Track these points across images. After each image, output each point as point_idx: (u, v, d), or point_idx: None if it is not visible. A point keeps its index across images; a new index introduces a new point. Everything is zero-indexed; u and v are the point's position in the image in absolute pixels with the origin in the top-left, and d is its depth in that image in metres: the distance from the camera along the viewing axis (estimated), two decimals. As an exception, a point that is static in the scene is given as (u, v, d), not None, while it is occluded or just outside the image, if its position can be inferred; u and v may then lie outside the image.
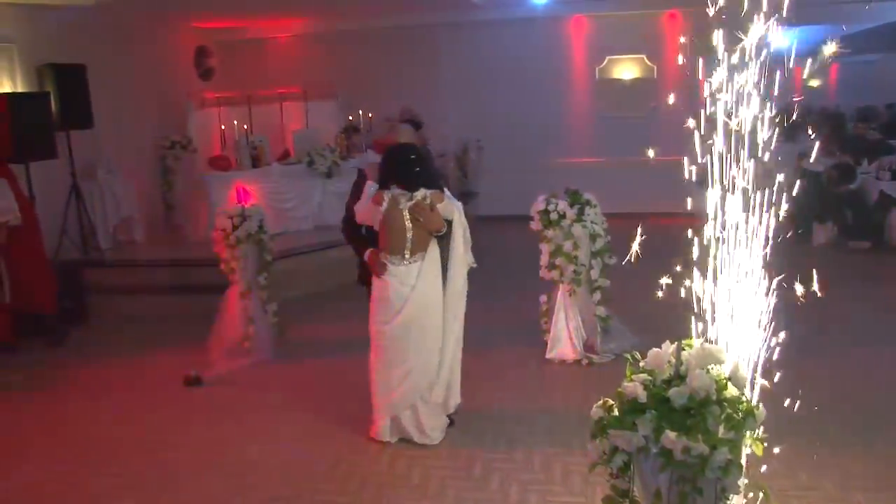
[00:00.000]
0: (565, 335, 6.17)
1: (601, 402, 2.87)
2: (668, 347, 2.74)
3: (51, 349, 7.25)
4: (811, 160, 10.57)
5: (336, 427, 5.15)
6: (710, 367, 2.63)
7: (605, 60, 12.24)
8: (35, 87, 8.43)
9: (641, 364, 2.74)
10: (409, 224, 4.61)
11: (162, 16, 10.89)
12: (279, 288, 7.24)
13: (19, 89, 8.29)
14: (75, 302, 8.01)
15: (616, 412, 2.68)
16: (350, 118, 11.48)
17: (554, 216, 5.98)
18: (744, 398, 2.62)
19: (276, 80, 11.78)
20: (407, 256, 4.66)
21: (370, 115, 11.42)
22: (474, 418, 5.08)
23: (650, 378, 2.63)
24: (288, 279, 8.15)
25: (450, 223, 4.71)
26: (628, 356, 2.89)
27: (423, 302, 4.69)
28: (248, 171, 9.56)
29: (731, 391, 2.59)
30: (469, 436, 4.91)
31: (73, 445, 5.15)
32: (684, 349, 2.65)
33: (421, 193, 4.61)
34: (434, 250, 4.72)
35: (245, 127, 10.19)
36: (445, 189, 4.81)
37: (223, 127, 10.20)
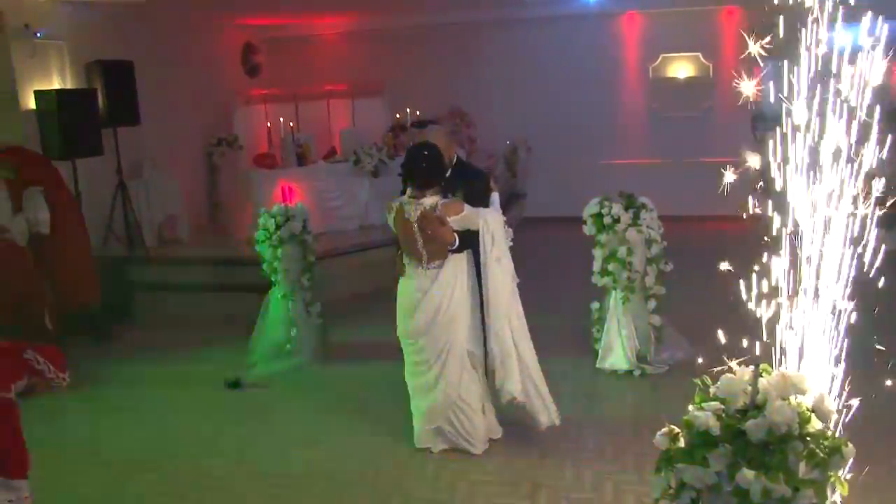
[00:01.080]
0: (617, 344, 5.90)
1: (667, 429, 2.61)
2: (743, 373, 2.46)
3: (94, 346, 7.22)
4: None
5: (379, 435, 4.99)
6: (791, 397, 2.36)
7: (660, 58, 11.86)
8: (84, 83, 8.43)
9: (712, 390, 2.47)
10: (418, 235, 4.38)
11: (209, 13, 10.85)
12: (323, 289, 7.11)
13: (68, 86, 8.29)
14: (120, 298, 7.98)
15: (684, 443, 2.42)
16: (398, 116, 11.32)
17: (608, 220, 5.71)
18: (829, 433, 2.35)
19: (322, 77, 11.68)
20: (424, 263, 4.45)
21: (417, 113, 11.23)
22: (521, 431, 4.83)
23: (723, 407, 2.37)
24: (332, 279, 8.02)
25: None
26: (697, 381, 2.63)
27: (434, 309, 4.44)
28: (294, 169, 9.46)
29: (815, 425, 2.32)
30: (516, 450, 4.69)
31: (111, 447, 5.07)
32: (762, 375, 2.38)
33: (431, 201, 4.35)
34: (457, 256, 4.48)
35: (291, 125, 10.09)
36: (493, 196, 4.62)
37: (269, 124, 10.12)
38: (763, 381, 2.35)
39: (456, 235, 4.37)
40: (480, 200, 4.54)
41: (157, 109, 9.52)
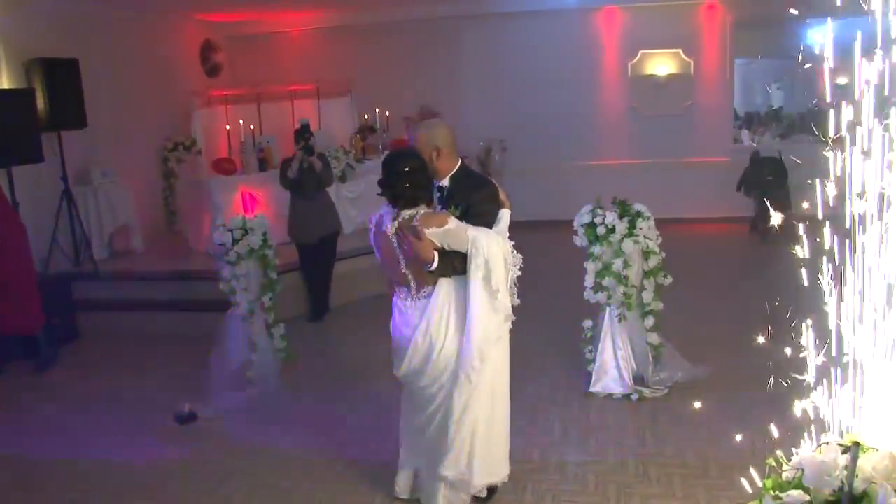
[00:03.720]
0: (612, 366, 5.38)
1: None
2: (834, 451, 1.86)
3: (37, 373, 6.54)
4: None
5: (352, 478, 4.39)
6: None
7: (639, 55, 11.40)
8: (22, 83, 7.71)
9: (791, 473, 1.89)
10: (399, 253, 3.64)
11: (164, 7, 10.17)
12: (286, 306, 6.52)
13: (3, 86, 7.57)
14: (64, 320, 7.29)
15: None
16: (366, 117, 10.72)
17: (601, 230, 5.18)
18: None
19: (286, 76, 11.02)
20: (413, 290, 3.71)
21: (387, 113, 10.64)
22: (511, 468, 4.28)
23: (807, 498, 1.80)
24: (296, 295, 7.43)
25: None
26: (771, 461, 2.04)
27: (427, 348, 3.67)
28: (255, 175, 8.81)
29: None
30: (505, 491, 4.11)
31: (45, 495, 4.43)
32: (863, 453, 1.81)
33: (411, 211, 3.58)
34: (450, 283, 3.66)
35: (252, 127, 9.43)
36: (502, 214, 3.76)
37: (228, 127, 9.45)
38: (864, 463, 1.78)
39: (436, 254, 3.54)
40: (482, 218, 3.68)
41: (107, 111, 8.85)
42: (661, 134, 11.38)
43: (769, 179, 10.55)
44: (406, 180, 3.56)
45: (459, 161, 3.84)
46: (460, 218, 3.62)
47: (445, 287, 3.65)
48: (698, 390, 5.36)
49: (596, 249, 5.23)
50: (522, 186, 11.23)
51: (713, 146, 11.38)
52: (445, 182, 3.80)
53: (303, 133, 7.16)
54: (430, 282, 3.64)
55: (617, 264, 5.15)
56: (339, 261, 7.66)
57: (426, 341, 3.66)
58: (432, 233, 3.52)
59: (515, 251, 3.70)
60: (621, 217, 5.20)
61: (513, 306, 3.72)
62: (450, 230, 3.53)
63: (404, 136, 11.19)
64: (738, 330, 6.81)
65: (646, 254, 5.22)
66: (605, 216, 5.19)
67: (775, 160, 10.63)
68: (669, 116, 11.38)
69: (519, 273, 3.73)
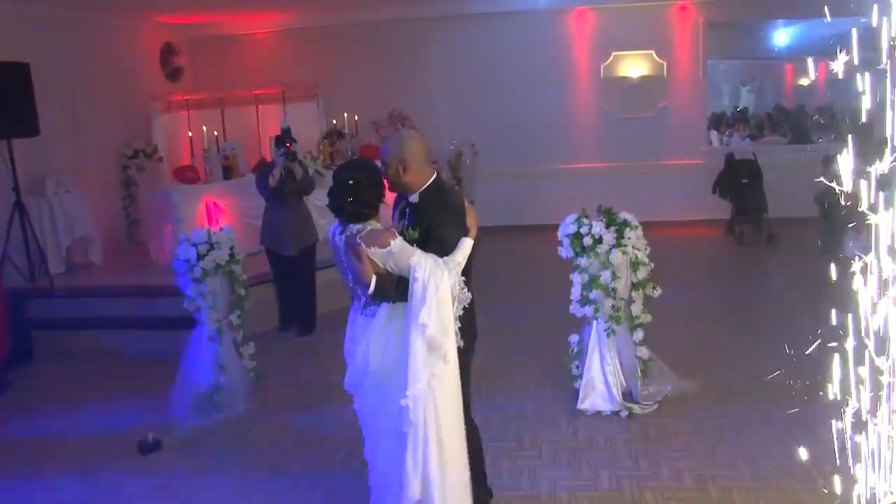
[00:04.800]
0: (600, 381, 5.15)
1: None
2: None
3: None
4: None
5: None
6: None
7: (611, 56, 11.24)
8: (-32, 89, 7.28)
9: None
10: (346, 267, 3.37)
11: (121, 8, 9.76)
12: (257, 319, 6.20)
13: (-53, 92, 7.14)
14: (18, 340, 6.87)
15: None
16: (334, 122, 10.41)
17: (588, 241, 4.95)
18: None
19: (251, 80, 10.63)
20: (361, 305, 3.38)
21: (356, 118, 10.34)
22: (498, 497, 4.02)
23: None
24: (264, 309, 7.09)
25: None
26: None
27: (361, 370, 3.36)
28: (220, 184, 8.45)
29: None
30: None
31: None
32: None
33: (357, 228, 3.26)
34: (397, 307, 3.30)
35: (216, 133, 9.07)
36: (462, 243, 3.34)
37: (191, 133, 9.07)
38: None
39: (374, 278, 3.21)
40: (441, 244, 3.30)
41: (62, 118, 8.46)
42: (634, 136, 11.25)
43: (745, 182, 10.47)
44: (349, 193, 3.25)
45: (434, 175, 3.47)
46: (420, 240, 3.30)
47: (387, 310, 3.30)
48: (688, 405, 5.18)
49: (583, 261, 4.99)
50: (494, 191, 11.09)
51: (687, 148, 11.26)
52: (415, 198, 3.45)
53: (284, 138, 6.81)
54: (376, 300, 3.32)
55: (605, 276, 4.92)
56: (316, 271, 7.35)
57: (362, 361, 3.35)
58: (374, 253, 3.19)
59: (466, 288, 3.34)
60: (608, 226, 4.97)
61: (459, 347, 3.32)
62: (392, 252, 3.18)
63: (372, 142, 10.95)
64: (722, 337, 6.70)
65: (634, 265, 5.00)
66: (591, 226, 4.96)
67: (750, 162, 10.54)
68: (643, 119, 11.25)
69: (460, 312, 3.33)
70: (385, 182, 3.41)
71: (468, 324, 3.46)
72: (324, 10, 11.16)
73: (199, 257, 5.20)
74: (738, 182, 10.51)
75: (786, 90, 16.18)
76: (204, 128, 8.65)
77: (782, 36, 14.63)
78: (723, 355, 6.09)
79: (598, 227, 4.94)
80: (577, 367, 5.25)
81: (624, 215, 5.07)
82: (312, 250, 7.14)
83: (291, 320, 7.24)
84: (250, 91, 10.15)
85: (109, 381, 6.36)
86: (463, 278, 3.33)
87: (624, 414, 5.06)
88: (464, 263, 3.33)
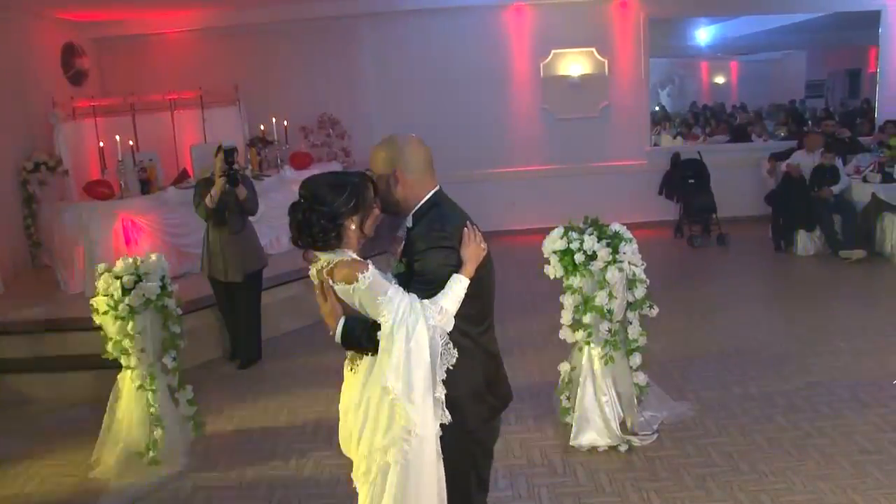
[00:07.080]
0: (596, 414, 4.59)
1: None
2: None
3: None
4: (791, 161, 9.55)
5: None
6: None
7: (551, 55, 10.77)
8: None
9: None
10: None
11: (16, 3, 8.68)
12: (197, 350, 5.41)
13: None
14: None
15: None
16: (262, 127, 9.58)
17: (579, 257, 4.38)
18: None
19: (164, 84, 9.65)
20: (347, 360, 2.68)
21: (285, 123, 9.53)
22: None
23: None
24: (193, 342, 6.25)
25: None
26: None
27: (348, 435, 2.67)
28: (137, 199, 7.52)
29: None
30: None
31: None
32: None
33: (328, 257, 2.58)
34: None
35: (130, 143, 8.12)
36: (453, 281, 2.55)
37: (101, 144, 8.09)
38: None
39: (342, 320, 2.56)
40: (423, 279, 2.56)
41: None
42: (576, 137, 10.85)
43: (691, 182, 10.20)
44: (299, 214, 2.57)
45: (435, 189, 2.75)
46: (403, 274, 2.62)
47: (371, 359, 2.56)
48: (690, 432, 4.70)
49: (574, 281, 4.42)
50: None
51: (630, 149, 10.93)
52: (410, 221, 2.72)
53: (227, 159, 5.86)
54: (345, 347, 2.63)
55: (601, 297, 4.36)
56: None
57: (347, 425, 2.66)
58: (341, 290, 2.52)
59: (452, 346, 2.52)
60: (600, 240, 4.42)
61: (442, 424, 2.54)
62: (358, 289, 2.47)
63: (303, 148, 10.17)
64: (696, 350, 6.25)
65: (631, 282, 4.46)
66: (582, 241, 4.40)
67: (696, 162, 10.29)
68: (585, 119, 10.85)
69: (444, 375, 2.50)
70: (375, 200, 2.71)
71: (467, 391, 2.65)
72: (242, 7, 10.30)
73: (125, 292, 4.37)
74: (685, 182, 10.24)
75: (703, 88, 16.24)
76: (117, 137, 7.68)
77: (703, 34, 14.60)
78: (700, 369, 5.68)
79: (590, 242, 4.38)
80: (568, 398, 4.68)
81: (615, 227, 4.55)
82: (258, 276, 6.34)
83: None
84: (164, 95, 9.21)
85: (10, 437, 5.36)
86: (444, 328, 2.52)
87: (623, 448, 4.52)
88: (453, 309, 2.53)
